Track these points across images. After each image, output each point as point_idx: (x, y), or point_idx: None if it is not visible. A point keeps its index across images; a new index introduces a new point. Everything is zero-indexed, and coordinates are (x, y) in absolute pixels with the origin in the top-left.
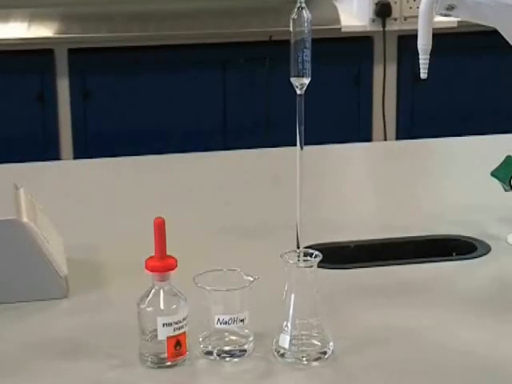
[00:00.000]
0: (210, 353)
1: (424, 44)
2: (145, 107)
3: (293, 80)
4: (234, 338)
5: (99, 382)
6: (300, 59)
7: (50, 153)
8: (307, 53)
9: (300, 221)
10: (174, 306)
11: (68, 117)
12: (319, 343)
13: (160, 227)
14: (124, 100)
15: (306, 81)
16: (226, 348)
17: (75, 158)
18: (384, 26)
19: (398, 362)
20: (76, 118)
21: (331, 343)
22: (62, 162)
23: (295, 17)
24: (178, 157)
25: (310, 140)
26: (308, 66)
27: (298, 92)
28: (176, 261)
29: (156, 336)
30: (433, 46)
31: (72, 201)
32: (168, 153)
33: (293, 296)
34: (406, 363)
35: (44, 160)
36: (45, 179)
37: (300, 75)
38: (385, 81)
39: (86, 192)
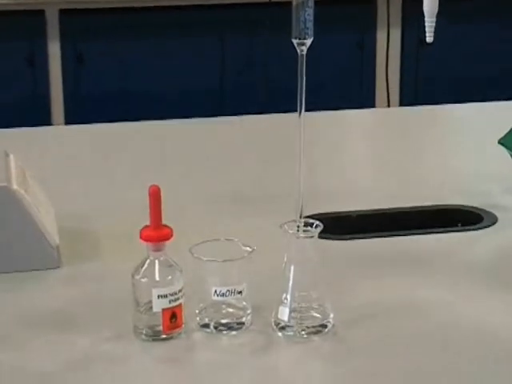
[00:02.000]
0: (206, 325)
1: (430, 6)
2: (140, 71)
3: (294, 41)
4: (231, 310)
5: (92, 355)
6: (302, 18)
7: (40, 118)
8: (309, 12)
9: (302, 189)
10: (170, 277)
11: (59, 81)
12: (319, 316)
13: (155, 195)
14: (118, 64)
15: (308, 41)
16: (223, 321)
17: (67, 123)
18: None
19: (401, 336)
20: (68, 83)
21: (332, 316)
22: (53, 127)
23: None
24: (175, 123)
25: (311, 106)
26: (310, 25)
27: (300, 53)
28: (172, 230)
29: (151, 308)
30: (439, 8)
31: (64, 168)
32: (164, 118)
33: (292, 267)
34: (410, 337)
35: (34, 125)
36: (35, 145)
37: (302, 35)
38: (388, 46)
39: (78, 159)
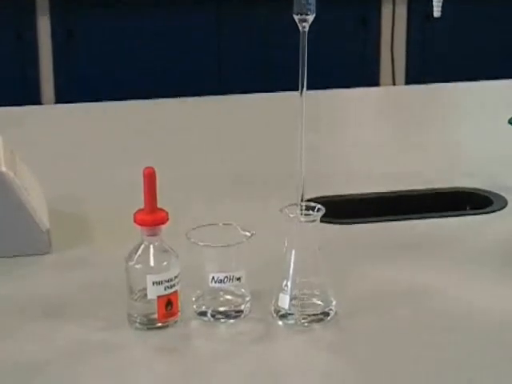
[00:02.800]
0: (203, 313)
1: None
2: (133, 48)
3: (296, 17)
4: (229, 297)
5: (84, 344)
6: None
7: (29, 97)
8: None
9: (303, 172)
10: (165, 262)
11: (49, 58)
12: (321, 303)
13: (150, 177)
14: (111, 40)
15: (310, 17)
16: (221, 308)
17: (57, 102)
18: None
19: (407, 325)
20: (58, 60)
21: (334, 303)
22: (43, 106)
23: None
24: (170, 102)
25: (313, 84)
26: (312, 1)
27: (302, 30)
28: (167, 214)
29: (145, 295)
30: None
31: (54, 149)
32: (159, 97)
33: (293, 253)
34: (415, 326)
35: (23, 105)
36: (24, 126)
37: (304, 11)
38: (394, 21)
39: (69, 139)
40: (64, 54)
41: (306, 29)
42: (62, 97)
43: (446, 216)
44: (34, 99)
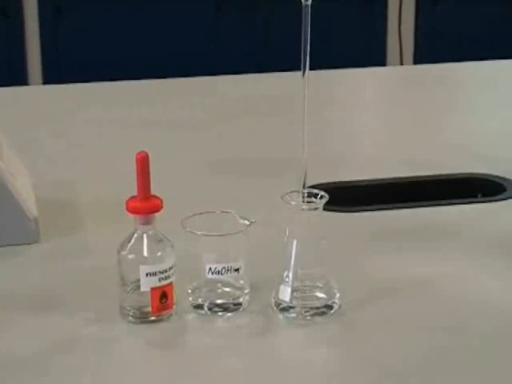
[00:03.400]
0: (200, 306)
1: None
2: (126, 25)
3: None
4: (227, 289)
5: (74, 338)
6: None
7: (15, 77)
8: None
9: (306, 156)
10: (160, 253)
11: (36, 36)
12: (324, 296)
13: (143, 163)
14: (101, 17)
15: None
16: (219, 301)
17: (45, 83)
18: None
19: (414, 317)
20: (46, 38)
21: (338, 296)
22: (29, 87)
23: None
24: (165, 82)
25: (316, 64)
26: None
27: (304, 3)
28: (161, 201)
29: (139, 287)
30: None
31: (41, 132)
32: (152, 77)
33: (295, 243)
34: (424, 318)
35: (8, 85)
36: (10, 107)
37: None
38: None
39: (57, 122)
40: (52, 30)
41: (309, 2)
42: (49, 77)
43: (457, 203)
44: (20, 80)
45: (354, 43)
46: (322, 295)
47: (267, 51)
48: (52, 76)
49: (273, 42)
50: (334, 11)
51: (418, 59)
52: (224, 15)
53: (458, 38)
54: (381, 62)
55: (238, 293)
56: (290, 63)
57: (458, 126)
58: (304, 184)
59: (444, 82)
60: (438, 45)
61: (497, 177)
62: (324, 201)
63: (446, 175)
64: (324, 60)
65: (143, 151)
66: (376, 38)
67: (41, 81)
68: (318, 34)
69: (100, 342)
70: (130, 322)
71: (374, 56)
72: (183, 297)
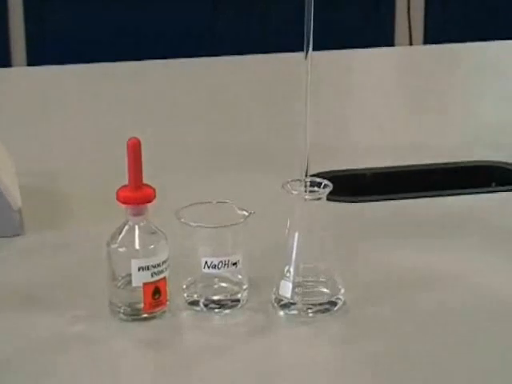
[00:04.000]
0: (195, 303)
1: None
2: (116, 4)
3: None
4: (224, 285)
5: (61, 337)
6: None
7: None
8: None
9: (308, 143)
10: (152, 246)
11: (20, 14)
12: (328, 292)
13: (135, 149)
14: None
15: None
16: (215, 297)
17: (29, 64)
18: None
19: (423, 315)
20: (30, 16)
21: (342, 291)
22: (13, 69)
23: None
24: (157, 64)
25: (319, 44)
26: None
27: None
28: (154, 191)
29: (130, 282)
30: None
31: (26, 117)
32: (143, 59)
33: (297, 235)
34: (433, 315)
35: None
36: None
37: None
38: None
39: (43, 106)
40: (37, 9)
41: None
42: (34, 59)
43: (469, 193)
44: (4, 61)
45: (359, 22)
46: (325, 291)
47: (267, 29)
48: (36, 57)
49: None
50: None
51: (429, 39)
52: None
53: (470, 17)
54: (389, 42)
55: (235, 288)
56: (292, 42)
57: (471, 110)
58: (306, 172)
59: (456, 63)
60: (449, 24)
61: (510, 164)
62: (327, 190)
63: (458, 163)
64: (327, 40)
65: (135, 137)
66: (383, 17)
67: (25, 62)
68: (321, 11)
69: (89, 341)
70: (120, 319)
71: (382, 36)
72: (177, 293)
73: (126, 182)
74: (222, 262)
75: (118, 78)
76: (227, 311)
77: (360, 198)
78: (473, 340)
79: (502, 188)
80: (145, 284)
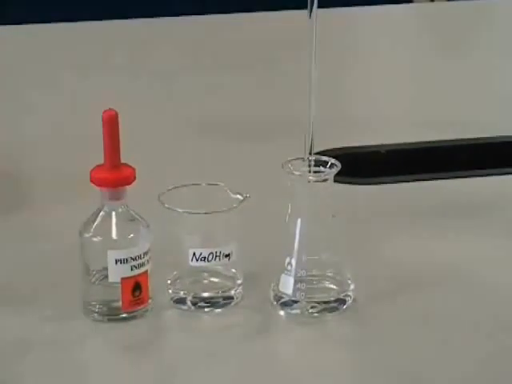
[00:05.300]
0: (181, 301)
1: None
2: None
3: None
4: (215, 280)
5: (27, 341)
6: None
7: None
8: None
9: (312, 116)
10: (132, 235)
11: None
12: (335, 288)
13: (111, 123)
14: None
15: None
16: (205, 294)
17: None
18: None
19: (443, 313)
20: None
21: (352, 287)
22: None
23: None
24: (137, 23)
25: (326, 1)
26: None
27: None
28: (134, 171)
29: (106, 277)
30: None
31: None
32: (126, 18)
33: (299, 222)
34: (454, 314)
35: None
36: None
37: None
38: None
39: (4, 72)
40: None
41: None
42: None
43: (496, 174)
44: None
45: None
46: (332, 287)
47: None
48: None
49: None
50: None
51: None
52: None
53: None
54: None
55: (228, 284)
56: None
57: (498, 78)
58: (310, 150)
59: (483, 23)
60: None
61: None
62: (335, 170)
63: (484, 139)
64: None
65: (111, 108)
66: None
67: None
68: None
69: (58, 346)
70: (95, 319)
71: None
72: (161, 289)
73: (102, 161)
74: (212, 253)
75: (92, 36)
76: (218, 310)
77: (372, 180)
78: (506, 342)
79: None
80: (123, 279)
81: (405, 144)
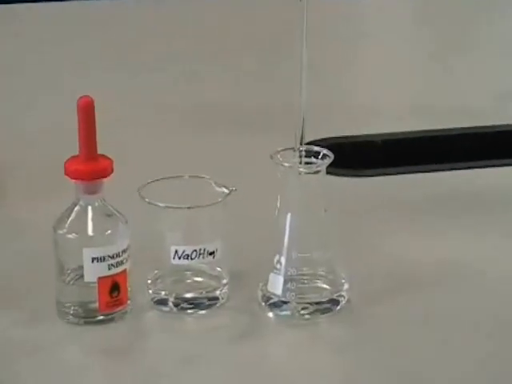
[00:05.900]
0: (163, 302)
1: None
2: None
3: None
4: (199, 279)
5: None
6: None
7: None
8: None
9: (303, 103)
10: (109, 231)
11: None
12: (328, 287)
13: (87, 111)
14: None
15: None
16: (188, 295)
17: None
18: None
19: (443, 313)
20: None
21: (346, 287)
22: None
23: None
24: (119, 3)
25: None
26: None
27: None
28: (112, 163)
29: (82, 276)
30: None
31: None
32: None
33: (289, 216)
34: (454, 314)
35: None
36: None
37: None
38: None
39: None
40: None
41: None
42: None
43: (501, 165)
44: None
45: None
46: (325, 286)
47: None
48: None
49: None
50: None
51: None
52: None
53: None
54: None
55: (213, 284)
56: None
57: (505, 64)
58: (301, 139)
59: (485, 3)
60: None
61: None
62: (327, 161)
63: (489, 127)
64: None
65: (87, 95)
66: None
67: None
68: None
69: (31, 350)
70: (70, 322)
71: None
72: (141, 289)
73: (77, 152)
74: (195, 251)
75: (68, 17)
76: (203, 312)
77: (368, 172)
78: (505, 347)
79: None
80: (100, 279)
81: (402, 133)
